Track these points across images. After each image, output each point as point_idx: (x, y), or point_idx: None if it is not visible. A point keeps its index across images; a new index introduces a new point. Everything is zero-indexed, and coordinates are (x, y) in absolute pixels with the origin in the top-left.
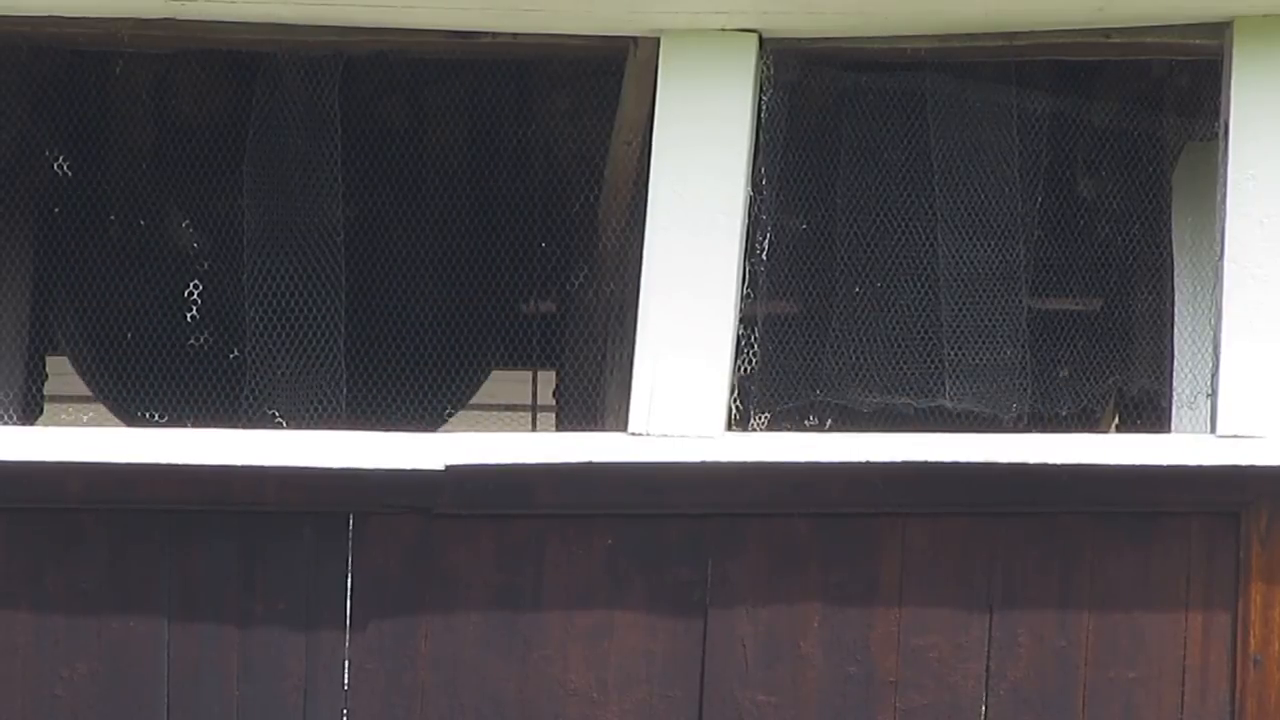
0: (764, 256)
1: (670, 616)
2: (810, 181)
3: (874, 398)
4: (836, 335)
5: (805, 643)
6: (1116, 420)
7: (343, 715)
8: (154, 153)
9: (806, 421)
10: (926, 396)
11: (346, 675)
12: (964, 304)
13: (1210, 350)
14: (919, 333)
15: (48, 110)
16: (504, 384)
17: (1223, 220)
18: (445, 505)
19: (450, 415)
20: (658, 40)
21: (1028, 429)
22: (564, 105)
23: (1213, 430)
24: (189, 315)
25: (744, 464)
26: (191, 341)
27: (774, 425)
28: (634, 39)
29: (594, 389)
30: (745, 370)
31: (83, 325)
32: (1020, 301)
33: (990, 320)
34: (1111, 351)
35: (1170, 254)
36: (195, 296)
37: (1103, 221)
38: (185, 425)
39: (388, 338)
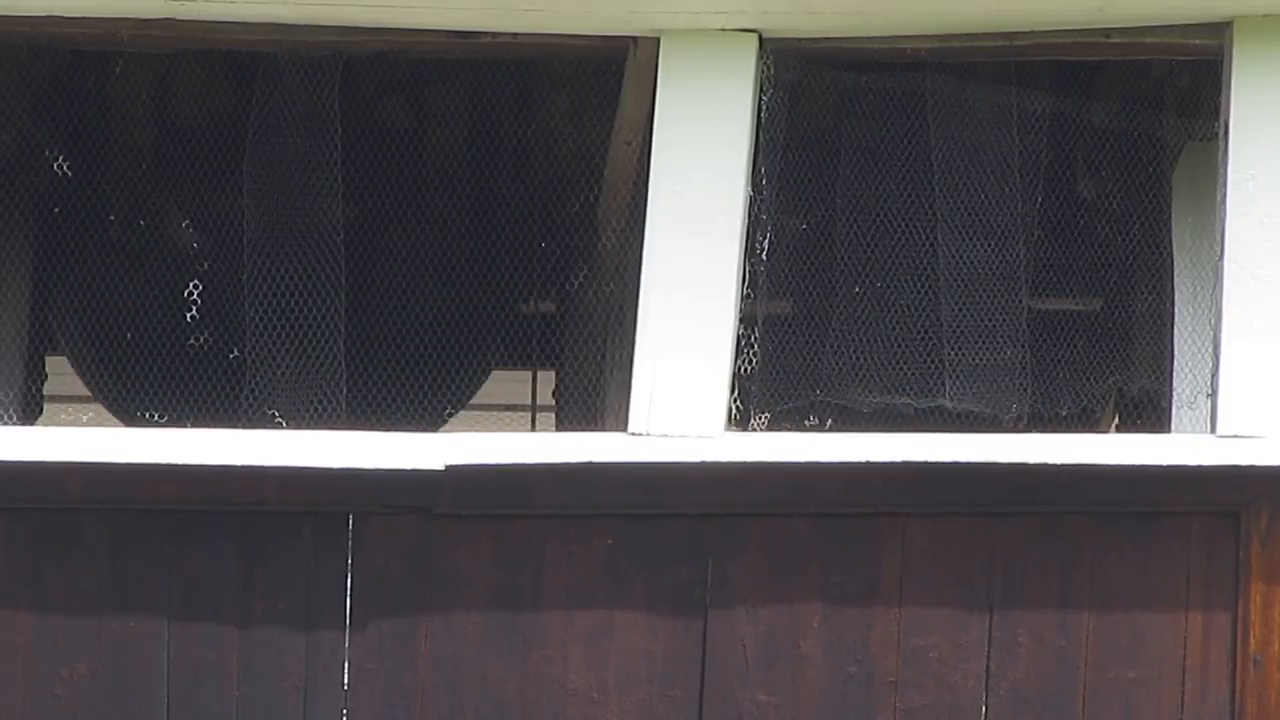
0: (764, 256)
1: (670, 616)
2: (810, 181)
3: (874, 398)
4: (836, 335)
5: (805, 643)
6: (1116, 420)
7: (343, 715)
8: (154, 153)
9: (806, 421)
10: (926, 396)
11: (346, 675)
12: (964, 304)
13: (1210, 350)
14: (919, 333)
15: (48, 110)
16: (504, 384)
17: (1223, 220)
18: (445, 505)
19: (450, 415)
20: (658, 40)
21: (1028, 429)
22: (564, 105)
23: (1213, 430)
24: (189, 315)
25: (744, 464)
26: (191, 341)
27: (774, 425)
28: (634, 39)
29: (594, 389)
30: (745, 370)
31: (83, 325)
32: (1020, 301)
33: (990, 320)
34: (1111, 351)
35: (1170, 254)
36: (195, 296)
37: (1103, 221)
38: (185, 425)
39: (388, 338)
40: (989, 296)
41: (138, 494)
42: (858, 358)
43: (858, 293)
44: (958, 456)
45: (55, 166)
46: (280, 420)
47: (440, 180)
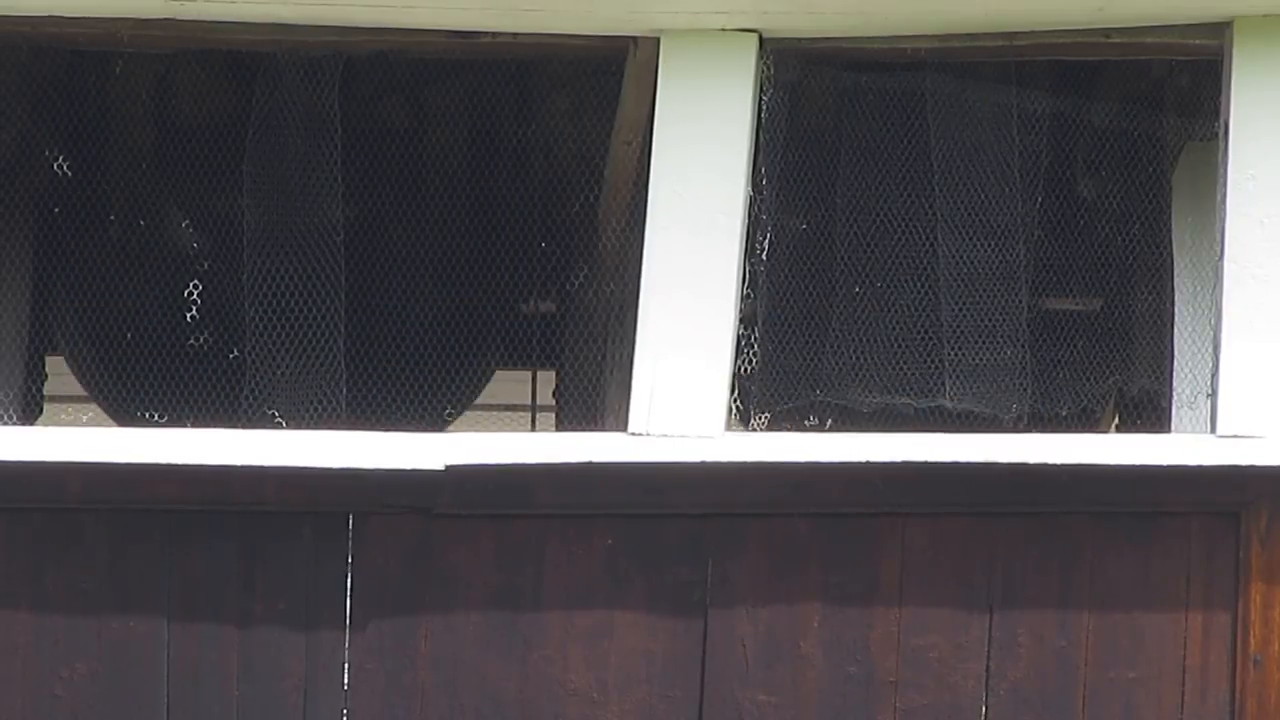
0: (764, 256)
1: (670, 616)
2: (810, 181)
3: (874, 398)
4: (836, 335)
5: (805, 643)
6: (1116, 420)
7: (343, 715)
8: (154, 153)
9: (806, 421)
10: (926, 396)
11: (346, 675)
12: (964, 304)
13: (1210, 350)
14: (919, 333)
15: (48, 110)
16: (504, 384)
17: (1223, 220)
18: (445, 505)
19: (451, 417)
20: (658, 40)
21: (1028, 429)
22: (564, 105)
23: (1213, 430)
24: (189, 315)
25: (744, 464)
26: (191, 341)
27: (774, 425)
28: (634, 39)
29: (594, 389)
30: (745, 370)
31: (82, 325)
32: (1020, 301)
33: (990, 320)
34: (1111, 351)
35: (1170, 254)
36: (195, 296)
37: (1103, 221)
38: (185, 425)
39: (388, 338)
40: (989, 296)
41: (138, 494)
42: (858, 358)
43: (858, 293)
44: (958, 456)
45: (55, 166)
46: (280, 420)
47: (440, 180)
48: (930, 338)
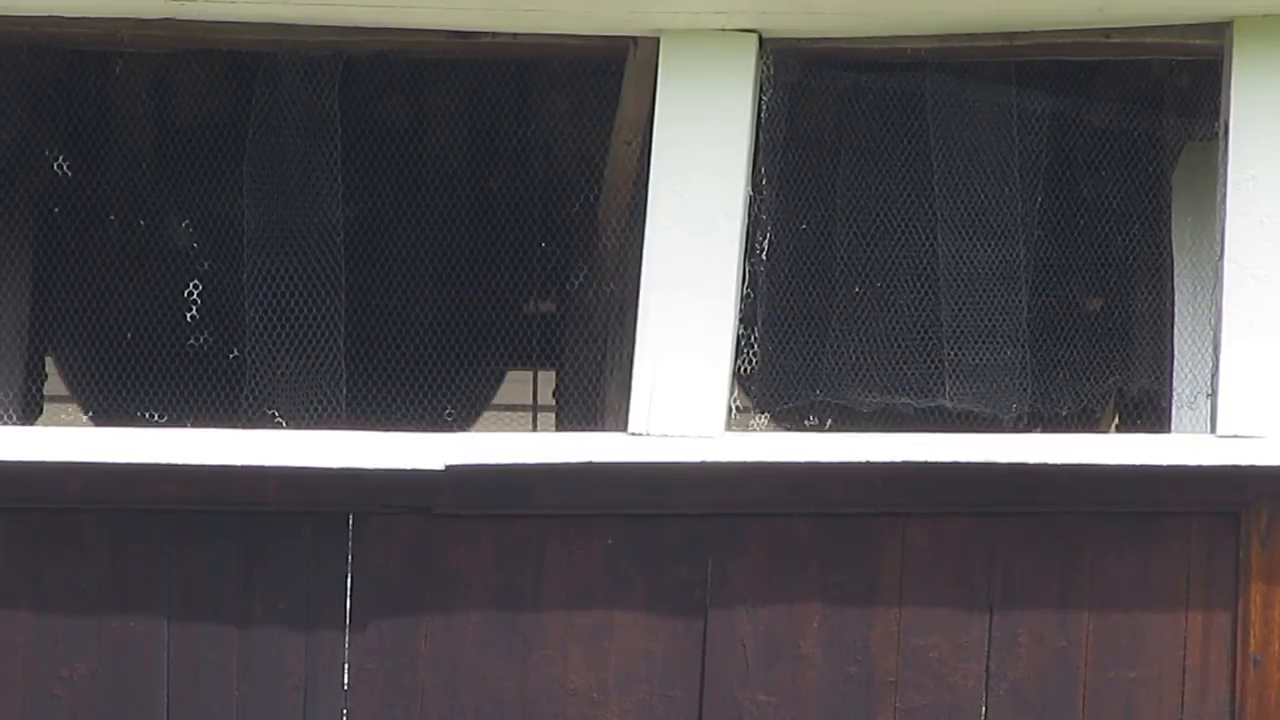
0: (764, 256)
1: (670, 616)
2: (810, 181)
3: (874, 398)
4: (836, 335)
5: (805, 643)
6: (1116, 420)
7: (343, 715)
8: (154, 153)
9: (806, 421)
10: (926, 396)
11: (346, 675)
12: (964, 304)
13: (1210, 350)
14: (919, 333)
15: (48, 110)
16: (504, 384)
17: (1223, 220)
18: (445, 505)
19: (451, 417)
20: (658, 40)
21: (1028, 429)
22: (564, 105)
23: (1213, 430)
24: (189, 315)
25: (744, 464)
26: (191, 341)
27: (774, 425)
28: (634, 39)
29: (594, 389)
30: (745, 370)
31: (81, 324)
32: (1020, 302)
33: (990, 320)
34: (1111, 351)
35: (1170, 254)
36: (195, 296)
37: (1103, 221)
38: (185, 425)
39: (388, 338)
40: (989, 296)
41: (138, 494)
42: (858, 358)
43: (858, 293)
44: (958, 456)
45: (55, 166)
46: (280, 420)
47: (440, 180)
48: (930, 338)
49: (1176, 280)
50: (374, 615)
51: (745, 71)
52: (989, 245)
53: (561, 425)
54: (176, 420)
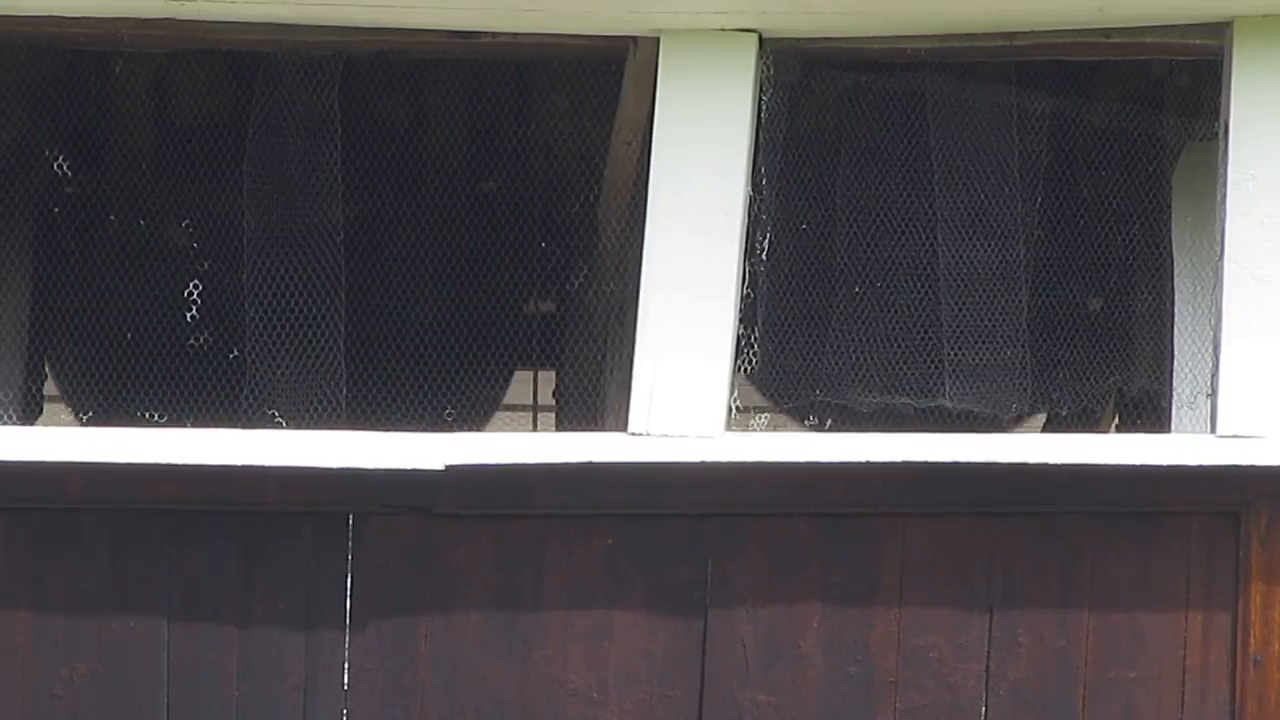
0: (764, 256)
1: (670, 616)
2: (810, 181)
3: (874, 398)
4: (836, 335)
5: (805, 643)
6: (1116, 420)
7: (343, 715)
8: (154, 153)
9: (806, 421)
10: (926, 396)
11: (346, 675)
12: (964, 304)
13: (1210, 350)
14: (919, 333)
15: (48, 110)
16: None
17: (1223, 220)
18: (445, 505)
19: (451, 417)
20: (658, 40)
21: (1029, 414)
22: (564, 105)
23: (1213, 430)
24: (189, 315)
25: (744, 464)
26: (191, 341)
27: (776, 423)
28: (634, 39)
29: (594, 389)
30: (745, 370)
31: (81, 325)
32: (1020, 301)
33: (990, 320)
34: (1111, 351)
35: (1170, 254)
36: (195, 296)
37: (1103, 221)
38: (185, 425)
39: (388, 338)
40: (989, 296)
41: (138, 494)
42: (858, 358)
43: (858, 293)
44: (958, 456)
45: (55, 166)
46: (280, 420)
47: (440, 180)
48: (930, 338)
49: (1176, 280)
50: (374, 615)
51: (745, 71)
52: (989, 245)
53: (561, 425)
54: (176, 420)
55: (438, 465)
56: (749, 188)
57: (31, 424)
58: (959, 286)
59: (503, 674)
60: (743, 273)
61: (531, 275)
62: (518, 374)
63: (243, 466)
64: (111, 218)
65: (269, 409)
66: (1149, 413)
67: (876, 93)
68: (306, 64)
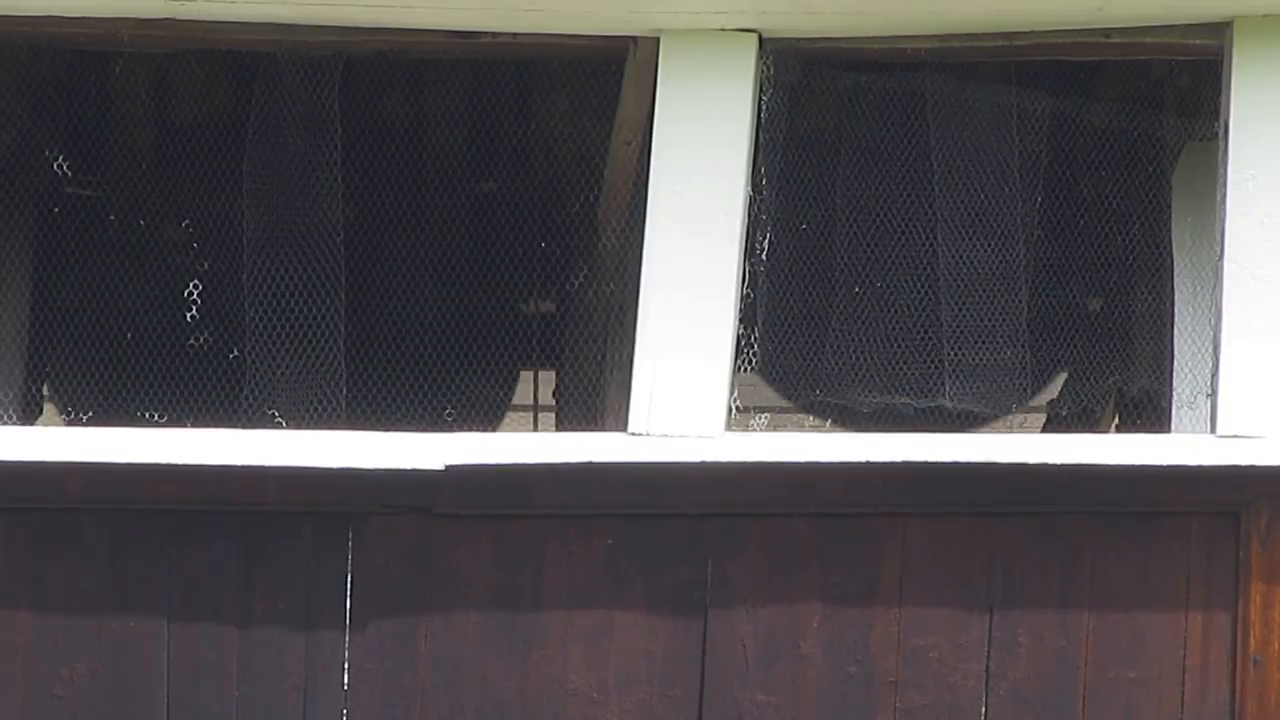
0: (764, 256)
1: (670, 616)
2: (810, 181)
3: (874, 398)
4: (836, 335)
5: (805, 643)
6: (1116, 420)
7: (343, 715)
8: (154, 153)
9: (806, 421)
10: (926, 396)
11: (346, 675)
12: (964, 304)
13: (1210, 350)
14: (919, 333)
15: (48, 110)
16: None
17: (1223, 220)
18: (445, 505)
19: (451, 417)
20: (658, 40)
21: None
22: (564, 105)
23: (1213, 430)
24: (189, 315)
25: (744, 464)
26: (191, 341)
27: (774, 425)
28: (634, 39)
29: (594, 389)
30: (745, 370)
31: (81, 325)
32: (1020, 302)
33: (990, 320)
34: (1111, 351)
35: (1170, 254)
36: (195, 296)
37: (1103, 221)
38: (185, 425)
39: (388, 339)
40: (989, 296)
41: (138, 494)
42: (858, 358)
43: (858, 293)
44: (958, 456)
45: (55, 166)
46: (280, 420)
47: (440, 180)
48: (930, 338)
49: (1176, 280)
50: (374, 615)
51: (745, 71)
52: (989, 245)
53: (561, 425)
54: (176, 420)
55: (438, 465)
56: (749, 188)
57: (31, 424)
58: (959, 286)
59: (503, 674)
60: (743, 273)
61: (531, 275)
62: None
63: (243, 466)
64: (111, 218)
65: (269, 409)
66: (1149, 413)
67: (876, 93)
68: (306, 64)
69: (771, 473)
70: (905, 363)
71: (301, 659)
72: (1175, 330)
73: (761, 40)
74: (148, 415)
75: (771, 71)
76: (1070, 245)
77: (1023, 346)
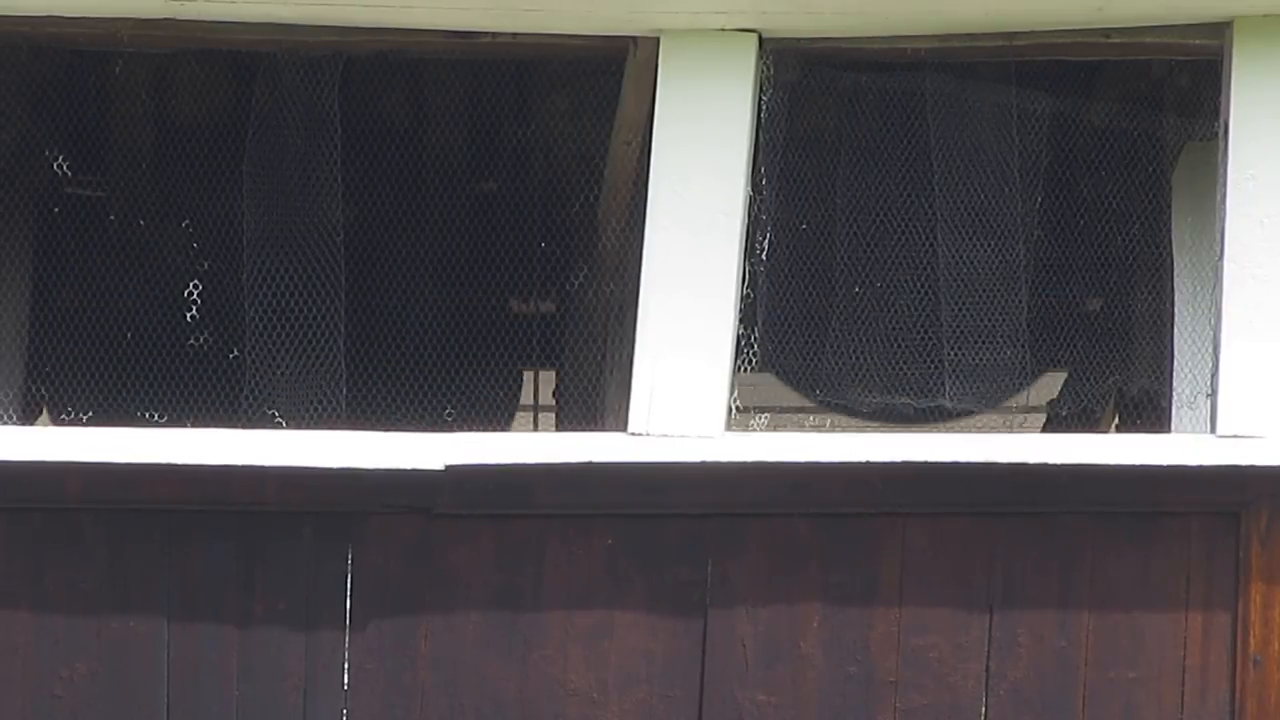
0: (764, 256)
1: (670, 616)
2: (810, 181)
3: (874, 398)
4: (836, 335)
5: (805, 643)
6: (1116, 420)
7: (343, 715)
8: (154, 153)
9: (807, 421)
10: (926, 396)
11: (346, 675)
12: (964, 304)
13: (1210, 350)
14: (919, 333)
15: (48, 110)
16: None
17: (1223, 220)
18: (445, 505)
19: (451, 417)
20: (658, 40)
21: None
22: (564, 105)
23: (1213, 430)
24: (189, 315)
25: (744, 464)
26: (191, 341)
27: (774, 425)
28: (634, 39)
29: (594, 389)
30: (745, 370)
31: (81, 325)
32: (1020, 302)
33: (990, 320)
34: (1111, 351)
35: (1170, 254)
36: (195, 296)
37: (1103, 221)
38: (185, 425)
39: (388, 339)
40: (989, 296)
41: (137, 494)
42: (858, 358)
43: (858, 293)
44: (958, 456)
45: (55, 166)
46: (280, 420)
47: (440, 180)
48: (930, 338)
49: (1176, 280)
50: (374, 615)
51: (745, 71)
52: (989, 245)
53: (561, 425)
54: (176, 420)
55: (438, 465)
56: (749, 188)
57: (31, 424)
58: (959, 286)
59: (503, 674)
60: (743, 273)
61: (531, 275)
62: None
63: (243, 466)
64: (111, 218)
65: (269, 409)
66: (1149, 413)
67: (876, 93)
68: (306, 64)
69: (771, 473)
70: (905, 363)
71: (301, 659)
72: (1175, 330)
73: (761, 40)
74: (147, 415)
75: (771, 71)
76: (1070, 245)
77: (1023, 346)
